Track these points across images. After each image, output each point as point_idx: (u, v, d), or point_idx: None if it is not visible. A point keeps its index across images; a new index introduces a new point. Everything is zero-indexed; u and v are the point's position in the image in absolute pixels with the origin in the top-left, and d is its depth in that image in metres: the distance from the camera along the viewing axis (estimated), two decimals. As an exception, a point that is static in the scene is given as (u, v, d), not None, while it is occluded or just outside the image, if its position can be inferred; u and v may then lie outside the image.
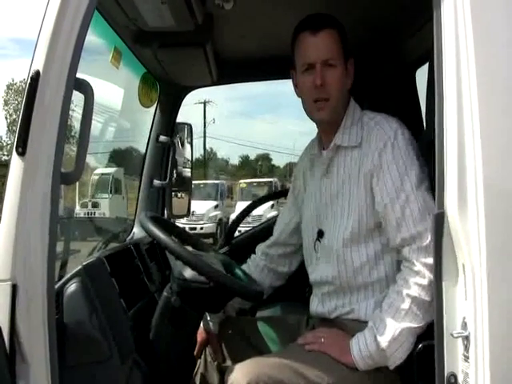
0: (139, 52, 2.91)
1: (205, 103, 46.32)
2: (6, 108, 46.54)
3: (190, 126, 3.68)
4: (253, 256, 2.52)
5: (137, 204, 3.51)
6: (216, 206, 27.13)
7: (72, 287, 1.87)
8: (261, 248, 2.51)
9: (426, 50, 2.02)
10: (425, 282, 1.89)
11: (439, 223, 1.69)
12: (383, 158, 2.01)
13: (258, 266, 2.47)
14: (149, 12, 2.30)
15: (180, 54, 2.86)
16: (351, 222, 2.07)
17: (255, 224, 3.85)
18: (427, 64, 2.54)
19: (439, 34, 1.75)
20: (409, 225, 1.95)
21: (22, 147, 1.63)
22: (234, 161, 76.59)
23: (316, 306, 2.20)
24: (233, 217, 23.96)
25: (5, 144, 44.92)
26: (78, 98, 1.72)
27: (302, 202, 2.35)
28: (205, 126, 46.03)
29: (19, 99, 46.13)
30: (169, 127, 3.47)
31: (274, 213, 21.82)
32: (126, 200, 17.40)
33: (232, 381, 1.89)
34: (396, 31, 2.86)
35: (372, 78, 3.25)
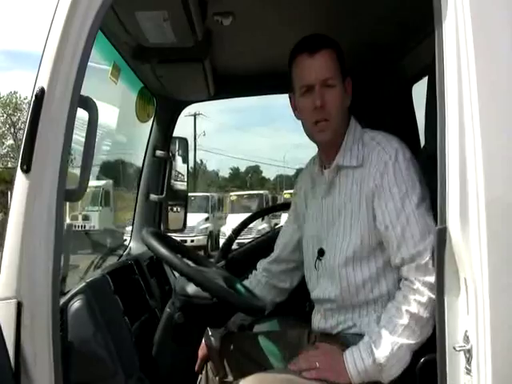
0: (137, 67, 2.93)
1: (195, 116, 46.29)
2: (-7, 121, 46.35)
3: (185, 140, 3.70)
4: (254, 272, 2.51)
5: (133, 218, 3.51)
6: (207, 219, 27.11)
7: (76, 304, 1.87)
8: (262, 264, 2.50)
9: (424, 65, 2.03)
10: (424, 299, 1.90)
11: (441, 238, 1.71)
12: (384, 179, 2.02)
13: (259, 282, 2.46)
14: (150, 29, 2.32)
15: (178, 70, 2.88)
16: (353, 242, 2.07)
17: (248, 236, 3.86)
18: (424, 79, 2.57)
19: (440, 50, 1.77)
20: (409, 245, 1.96)
21: (26, 164, 1.64)
22: (225, 173, 76.60)
23: (318, 321, 2.21)
24: (224, 229, 23.97)
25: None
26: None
27: (303, 220, 2.35)
28: (195, 138, 45.99)
29: (7, 112, 46.02)
30: (165, 141, 3.49)
31: (264, 225, 21.85)
32: (113, 212, 17.41)
33: None
34: (394, 47, 2.89)
35: (370, 94, 3.27)
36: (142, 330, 2.24)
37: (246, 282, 2.41)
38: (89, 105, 1.72)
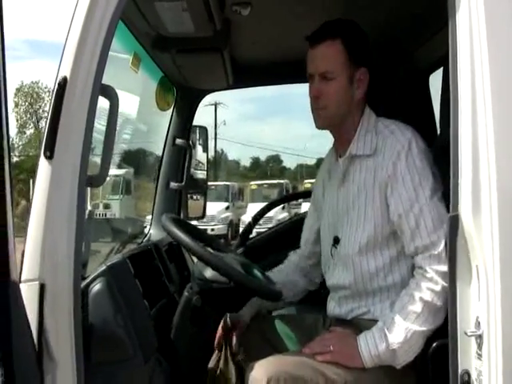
0: (157, 56, 2.97)
1: (216, 105, 46.36)
2: (15, 110, 46.78)
3: (205, 129, 3.74)
4: (286, 262, 2.55)
5: (153, 206, 3.57)
6: (227, 208, 27.21)
7: (97, 286, 1.92)
8: (292, 261, 2.53)
9: (439, 56, 2.06)
10: (437, 288, 1.93)
11: (454, 226, 1.74)
12: (397, 169, 2.04)
13: (293, 272, 2.50)
14: (170, 19, 2.36)
15: (198, 59, 2.92)
16: (367, 230, 2.10)
17: (266, 225, 3.90)
18: (441, 69, 2.59)
19: (454, 41, 1.80)
20: (423, 235, 1.99)
21: (49, 151, 1.69)
22: (245, 162, 76.62)
23: (333, 308, 2.24)
24: (244, 218, 24.04)
25: (16, 146, 45.14)
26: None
27: (320, 210, 2.38)
28: (216, 127, 46.08)
29: (29, 101, 46.36)
30: (185, 130, 3.54)
31: (284, 214, 21.88)
32: (133, 200, 17.48)
33: (253, 378, 1.93)
34: (410, 37, 2.91)
35: (387, 83, 3.29)
36: (160, 313, 2.29)
37: (276, 271, 2.44)
38: (110, 93, 1.77)
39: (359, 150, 2.15)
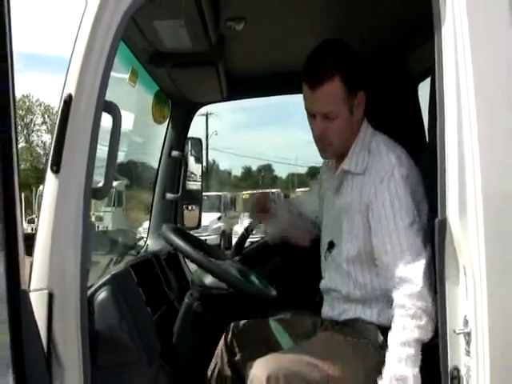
0: (153, 70, 3.05)
1: (207, 115, 46.39)
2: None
3: (199, 140, 3.83)
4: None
5: (150, 217, 3.64)
6: (219, 218, 27.18)
7: (102, 294, 2.00)
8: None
9: (427, 65, 2.14)
10: (423, 322, 1.98)
11: (442, 229, 1.82)
12: (379, 194, 2.10)
13: None
14: (168, 35, 2.45)
15: (193, 73, 3.00)
16: (354, 245, 2.17)
17: (258, 234, 3.96)
18: (429, 78, 2.68)
19: (440, 53, 1.89)
20: (399, 267, 2.03)
21: (56, 165, 1.77)
22: (237, 172, 76.64)
23: (326, 311, 2.32)
24: (236, 228, 24.05)
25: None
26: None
27: (322, 203, 2.47)
28: (207, 137, 46.09)
29: (20, 114, 46.16)
30: (180, 142, 3.62)
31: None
32: (125, 212, 17.45)
33: (253, 376, 2.00)
34: (400, 46, 3.01)
35: (379, 90, 3.39)
36: (161, 320, 2.37)
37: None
38: (113, 109, 1.86)
39: (351, 167, 2.21)
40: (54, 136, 1.78)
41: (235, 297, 2.20)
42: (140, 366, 1.98)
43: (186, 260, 3.16)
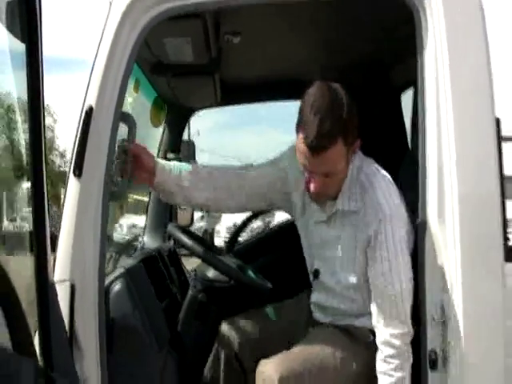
0: (153, 79, 3.24)
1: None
2: None
3: (193, 143, 4.02)
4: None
5: (146, 216, 3.82)
6: (202, 217, 27.27)
7: (117, 286, 2.21)
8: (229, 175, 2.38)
9: (411, 76, 2.31)
10: (410, 359, 2.13)
11: (422, 230, 2.05)
12: (378, 238, 2.13)
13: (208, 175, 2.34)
14: (173, 49, 2.64)
15: (190, 82, 3.20)
16: (346, 277, 2.23)
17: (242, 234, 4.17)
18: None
19: (422, 69, 2.11)
20: (392, 305, 2.13)
21: (78, 170, 1.98)
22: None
23: (318, 316, 2.41)
24: (218, 228, 24.16)
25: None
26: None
27: (291, 207, 2.40)
28: (189, 135, 46.08)
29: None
30: (176, 145, 3.81)
31: (258, 223, 22.02)
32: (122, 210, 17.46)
33: (265, 375, 2.15)
34: (384, 58, 3.22)
35: (363, 100, 3.59)
36: (166, 311, 2.57)
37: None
38: (128, 119, 2.07)
39: (345, 206, 2.21)
40: (76, 143, 1.98)
41: (235, 289, 2.41)
42: (151, 351, 2.18)
43: (184, 257, 3.38)
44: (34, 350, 1.60)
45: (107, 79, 2.00)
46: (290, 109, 3.70)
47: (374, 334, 2.21)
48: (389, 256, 2.12)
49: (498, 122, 2.06)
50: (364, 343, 2.27)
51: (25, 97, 1.71)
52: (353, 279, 2.23)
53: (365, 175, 2.21)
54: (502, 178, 2.05)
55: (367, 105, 3.59)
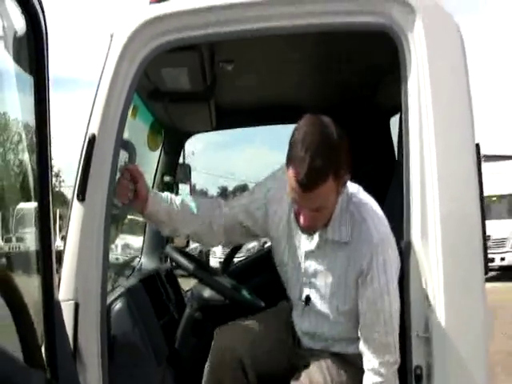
0: (150, 103, 3.37)
1: (184, 135, 46.39)
2: None
3: (189, 166, 4.14)
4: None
5: (144, 237, 3.93)
6: (197, 238, 27.24)
7: (118, 305, 2.32)
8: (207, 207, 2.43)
9: (398, 101, 2.43)
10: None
11: (407, 249, 2.17)
12: (370, 271, 2.18)
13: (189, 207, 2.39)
14: (170, 78, 2.77)
15: (187, 108, 3.33)
16: (339, 302, 2.27)
17: (238, 255, 4.25)
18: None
19: (406, 96, 2.25)
20: (382, 333, 2.20)
21: (81, 194, 2.09)
22: (213, 192, 76.72)
23: (307, 342, 2.43)
24: (214, 249, 24.18)
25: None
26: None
27: (275, 236, 2.39)
28: (184, 158, 46.17)
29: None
30: (172, 168, 3.93)
31: (254, 244, 22.05)
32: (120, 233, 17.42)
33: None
34: (371, 86, 3.36)
35: (351, 124, 3.73)
36: (164, 328, 2.68)
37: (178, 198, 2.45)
38: (129, 147, 2.19)
39: (336, 237, 2.23)
40: (80, 169, 2.10)
41: (230, 307, 2.52)
42: (150, 366, 2.29)
43: (181, 277, 3.50)
44: (43, 363, 1.69)
45: (109, 109, 2.13)
46: (282, 130, 3.87)
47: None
48: (380, 286, 2.18)
49: (477, 146, 2.19)
50: (355, 369, 2.31)
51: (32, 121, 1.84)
52: (344, 306, 2.26)
53: (353, 205, 2.24)
54: (482, 198, 2.18)
55: (356, 129, 3.74)
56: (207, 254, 25.82)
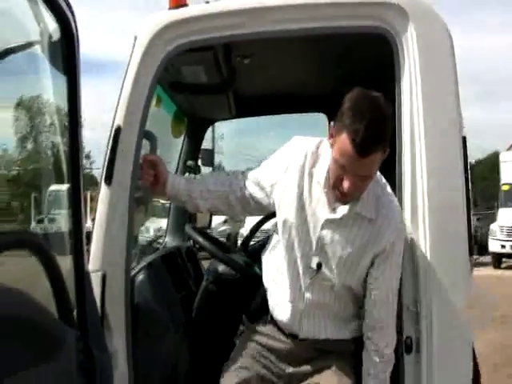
0: (173, 95, 3.64)
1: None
2: (16, 124, 47.00)
3: (211, 151, 4.41)
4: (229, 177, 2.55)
5: (168, 218, 4.21)
6: (225, 221, 27.47)
7: (141, 277, 2.60)
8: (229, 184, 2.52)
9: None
10: (392, 361, 2.38)
11: None
12: (388, 252, 2.31)
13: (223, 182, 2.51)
14: (189, 74, 3.04)
15: (207, 98, 3.59)
16: (348, 276, 2.35)
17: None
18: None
19: (399, 100, 2.49)
20: (384, 312, 2.35)
21: (108, 179, 2.37)
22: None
23: (306, 331, 2.46)
24: (242, 231, 24.43)
25: (15, 160, 45.13)
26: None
27: (285, 209, 2.40)
28: (213, 141, 46.47)
29: (28, 116, 46.59)
30: (195, 153, 4.21)
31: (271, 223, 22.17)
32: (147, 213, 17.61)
33: None
34: (369, 80, 3.59)
35: None
36: (182, 299, 2.96)
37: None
38: (150, 137, 2.46)
39: (363, 211, 2.30)
40: (107, 157, 2.38)
41: (241, 281, 2.79)
42: (168, 332, 2.57)
43: (201, 254, 3.78)
44: (75, 323, 1.96)
45: (132, 104, 2.40)
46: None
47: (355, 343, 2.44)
48: (395, 268, 2.33)
49: (464, 139, 2.42)
50: (351, 355, 2.46)
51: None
52: (353, 279, 2.36)
53: (380, 187, 2.34)
54: (468, 186, 2.42)
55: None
56: (235, 237, 26.08)
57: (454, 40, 2.44)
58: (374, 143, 2.09)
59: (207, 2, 2.49)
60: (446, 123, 2.43)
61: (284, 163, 2.42)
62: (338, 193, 2.23)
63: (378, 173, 2.33)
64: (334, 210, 2.32)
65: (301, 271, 2.39)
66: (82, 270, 2.14)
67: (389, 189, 2.38)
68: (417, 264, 2.39)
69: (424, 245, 2.38)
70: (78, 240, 2.15)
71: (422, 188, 2.40)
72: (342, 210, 2.31)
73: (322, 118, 4.23)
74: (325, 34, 2.53)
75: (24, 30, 2.12)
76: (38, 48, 2.13)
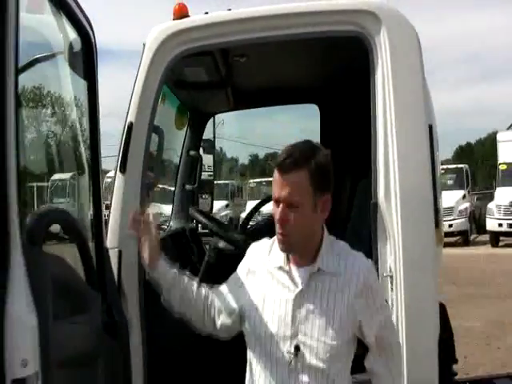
0: (177, 91, 3.99)
1: (214, 105, 46.72)
2: (20, 114, 47.02)
3: (212, 141, 4.78)
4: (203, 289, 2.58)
5: (173, 203, 4.56)
6: (227, 206, 27.71)
7: None
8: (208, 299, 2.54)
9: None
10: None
11: (375, 208, 2.79)
12: (367, 298, 2.22)
13: (199, 295, 2.53)
14: (190, 74, 3.41)
15: (207, 94, 3.96)
16: (335, 342, 2.18)
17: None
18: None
19: (374, 90, 2.86)
20: (393, 342, 2.38)
21: (123, 168, 2.73)
22: (244, 160, 77.21)
23: None
24: (243, 216, 24.71)
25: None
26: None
27: (251, 304, 2.32)
28: (214, 126, 46.68)
29: (30, 106, 46.81)
30: (197, 144, 4.58)
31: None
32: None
33: None
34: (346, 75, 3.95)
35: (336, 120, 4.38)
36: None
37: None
38: (159, 131, 2.82)
39: (327, 267, 2.21)
40: (121, 149, 2.73)
41: (240, 255, 3.14)
42: None
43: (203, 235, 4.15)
44: (98, 288, 2.31)
45: (142, 102, 2.76)
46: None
47: None
48: (381, 311, 2.28)
49: (430, 127, 2.79)
50: None
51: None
52: (337, 340, 2.19)
53: (338, 246, 2.28)
54: (434, 168, 2.79)
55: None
56: (237, 220, 26.33)
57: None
58: (294, 162, 2.13)
59: (206, 13, 2.84)
60: (414, 113, 2.79)
61: (245, 270, 2.46)
62: (279, 237, 2.21)
63: (333, 237, 2.30)
64: (293, 281, 2.23)
65: (280, 358, 2.23)
66: (102, 246, 2.48)
67: (346, 245, 2.31)
68: (390, 237, 2.75)
69: (396, 219, 2.74)
70: (98, 220, 2.50)
71: (393, 170, 2.76)
72: (304, 275, 2.22)
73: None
74: (310, 38, 2.89)
75: (50, 42, 2.49)
76: (61, 57, 2.48)
